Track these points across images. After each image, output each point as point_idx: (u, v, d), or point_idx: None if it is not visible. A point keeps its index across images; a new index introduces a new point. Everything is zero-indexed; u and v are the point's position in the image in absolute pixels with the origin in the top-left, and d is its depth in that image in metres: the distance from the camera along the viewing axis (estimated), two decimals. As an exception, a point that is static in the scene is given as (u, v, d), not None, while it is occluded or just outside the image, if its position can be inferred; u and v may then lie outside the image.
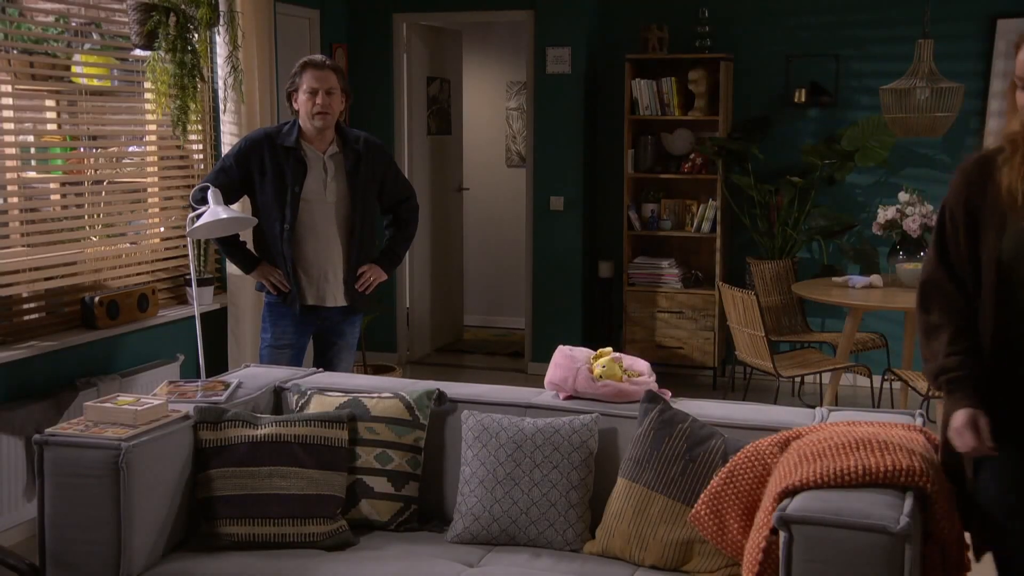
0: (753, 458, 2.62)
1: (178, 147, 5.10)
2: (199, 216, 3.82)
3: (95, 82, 4.76)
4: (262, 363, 3.98)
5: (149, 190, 4.99)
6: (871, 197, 6.39)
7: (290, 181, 3.89)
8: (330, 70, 3.92)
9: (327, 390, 3.26)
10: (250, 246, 4.19)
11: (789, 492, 2.35)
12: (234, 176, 3.95)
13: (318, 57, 4.03)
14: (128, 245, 4.87)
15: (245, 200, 4.15)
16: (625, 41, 6.75)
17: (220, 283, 5.20)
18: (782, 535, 2.28)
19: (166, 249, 5.03)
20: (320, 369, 3.78)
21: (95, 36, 4.74)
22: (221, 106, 5.02)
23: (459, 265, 8.12)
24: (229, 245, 4.07)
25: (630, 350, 6.43)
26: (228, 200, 3.91)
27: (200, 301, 4.63)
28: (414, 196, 4.25)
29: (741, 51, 6.57)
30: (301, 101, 3.90)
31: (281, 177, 3.90)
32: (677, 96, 6.50)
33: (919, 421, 2.90)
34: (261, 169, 3.92)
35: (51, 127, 4.59)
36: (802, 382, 6.30)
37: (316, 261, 3.98)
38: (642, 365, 3.20)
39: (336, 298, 4.03)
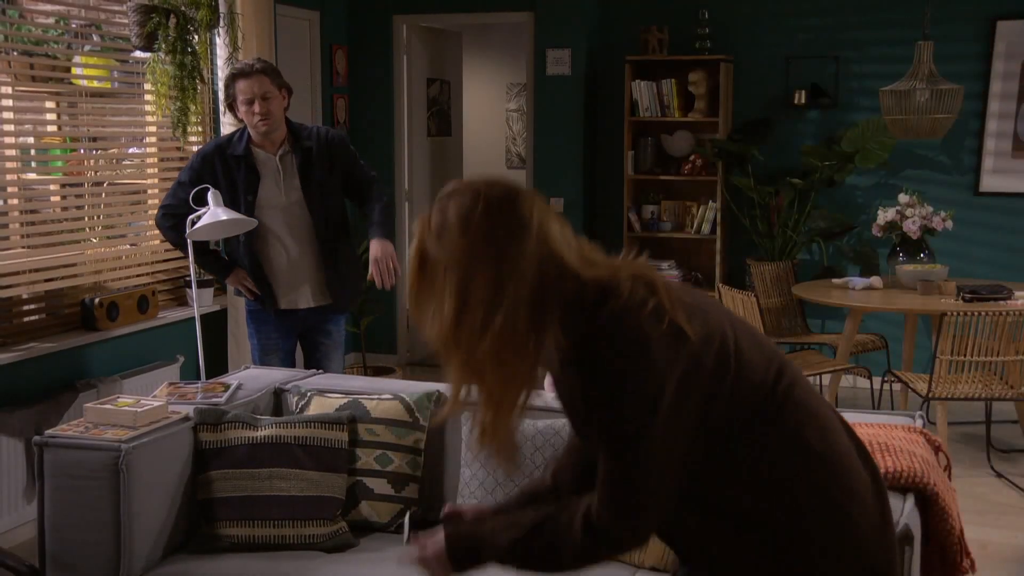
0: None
1: (178, 148, 5.10)
2: (199, 218, 3.82)
3: (95, 83, 4.76)
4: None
5: (149, 191, 4.99)
6: (871, 198, 6.39)
7: (242, 190, 3.86)
8: (260, 73, 3.83)
9: (327, 391, 3.25)
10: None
11: (789, 494, 2.35)
12: (190, 192, 3.89)
13: (245, 64, 3.91)
14: (128, 247, 4.87)
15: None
16: (625, 42, 6.75)
17: (220, 285, 5.20)
18: (782, 537, 2.27)
19: (166, 251, 5.03)
20: (320, 371, 3.78)
21: (95, 38, 4.74)
22: (221, 107, 5.02)
23: (459, 266, 8.11)
24: (202, 253, 4.03)
25: (630, 351, 6.42)
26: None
27: (200, 303, 4.62)
28: (373, 183, 4.04)
29: (741, 53, 6.57)
30: (242, 112, 3.86)
31: (234, 188, 3.87)
32: (677, 98, 6.50)
33: (919, 423, 2.90)
34: (215, 182, 3.87)
35: (51, 128, 4.59)
36: (802, 383, 6.29)
37: (285, 264, 3.94)
38: (642, 366, 3.19)
39: (309, 299, 3.99)
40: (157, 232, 4.99)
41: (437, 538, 1.78)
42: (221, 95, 4.06)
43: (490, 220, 1.60)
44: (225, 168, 3.88)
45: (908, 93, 5.30)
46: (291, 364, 4.07)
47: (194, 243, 3.94)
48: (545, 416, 3.05)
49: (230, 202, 3.87)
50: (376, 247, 3.85)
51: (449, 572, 1.77)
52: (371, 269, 3.86)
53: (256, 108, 3.80)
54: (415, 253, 1.64)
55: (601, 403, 1.61)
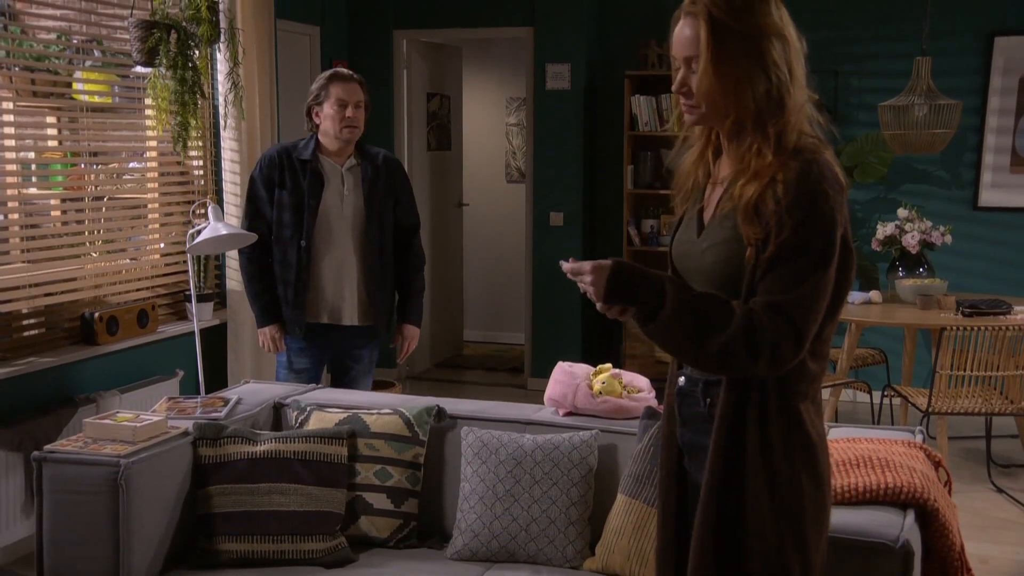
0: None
1: (178, 163, 5.11)
2: (199, 232, 3.83)
3: (96, 99, 4.77)
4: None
5: (149, 206, 5.00)
6: (870, 213, 6.40)
7: (307, 194, 3.83)
8: (357, 83, 3.87)
9: (327, 406, 3.25)
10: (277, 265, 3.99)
11: (789, 509, 2.35)
12: (266, 201, 3.88)
13: (345, 70, 3.95)
14: (128, 261, 4.88)
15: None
16: (624, 57, 6.77)
17: (220, 299, 5.21)
18: (782, 552, 2.27)
19: (166, 265, 5.04)
20: (319, 385, 3.76)
21: (96, 53, 4.76)
22: (221, 122, 5.04)
23: (459, 280, 8.13)
24: (260, 283, 3.93)
25: (630, 366, 6.43)
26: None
27: (200, 317, 4.63)
28: (419, 230, 4.14)
29: (740, 67, 6.58)
30: (328, 114, 3.81)
31: (298, 191, 3.84)
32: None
33: (919, 438, 2.90)
34: (281, 183, 3.86)
35: (52, 143, 4.60)
36: (802, 398, 6.29)
37: (332, 278, 3.90)
38: (642, 381, 3.20)
39: (352, 316, 3.94)
40: (157, 247, 5.02)
41: (604, 260, 1.86)
42: (304, 97, 3.96)
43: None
44: (291, 169, 3.86)
45: (907, 108, 5.31)
46: (316, 383, 3.99)
47: (257, 274, 3.90)
48: (545, 431, 3.05)
49: (293, 204, 3.84)
50: (412, 332, 4.13)
51: (600, 291, 1.84)
52: (403, 349, 4.13)
53: (348, 112, 3.80)
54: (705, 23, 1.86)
55: (797, 222, 1.79)
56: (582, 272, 1.86)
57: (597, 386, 3.11)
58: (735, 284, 1.86)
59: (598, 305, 1.86)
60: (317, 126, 3.88)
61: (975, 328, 4.64)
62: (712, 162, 2.02)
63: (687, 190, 2.07)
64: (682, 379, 2.02)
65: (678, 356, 1.93)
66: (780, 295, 1.79)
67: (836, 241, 1.82)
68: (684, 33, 1.90)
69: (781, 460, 1.86)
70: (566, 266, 1.89)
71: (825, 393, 5.80)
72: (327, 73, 3.93)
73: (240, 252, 3.95)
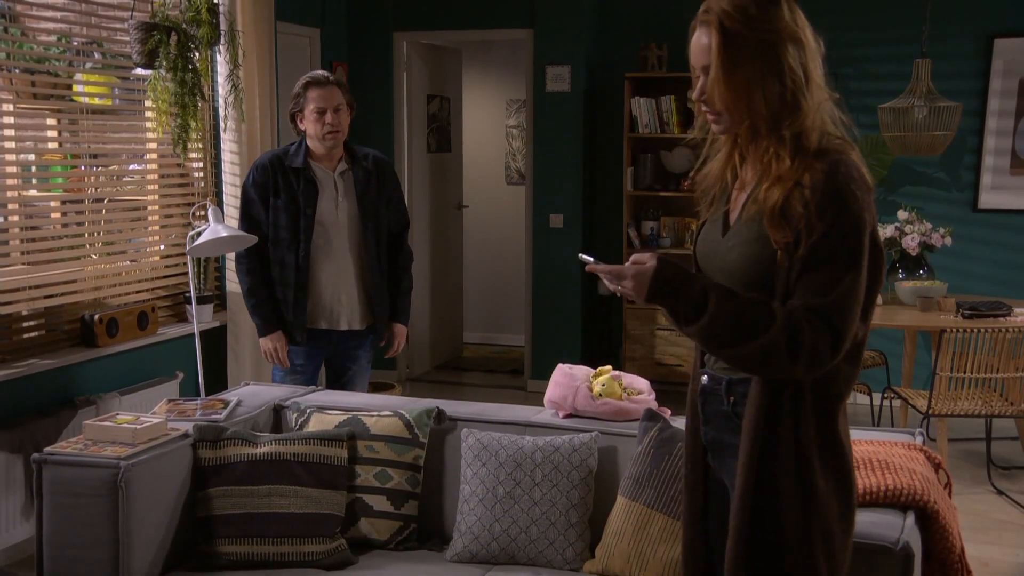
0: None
1: (178, 165, 5.11)
2: (199, 233, 3.83)
3: (96, 101, 4.77)
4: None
5: (149, 208, 5.00)
6: (870, 215, 6.40)
7: (303, 204, 3.82)
8: (334, 86, 3.83)
9: (326, 408, 3.25)
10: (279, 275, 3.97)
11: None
12: (261, 208, 3.86)
13: (320, 74, 3.90)
14: (128, 263, 4.88)
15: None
16: (624, 59, 6.77)
17: (220, 301, 5.21)
18: (782, 554, 2.27)
19: (166, 267, 5.04)
20: (319, 387, 3.76)
21: (96, 55, 4.76)
22: (221, 124, 5.04)
23: (459, 282, 8.13)
24: (258, 296, 3.90)
25: (630, 368, 6.43)
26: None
27: (200, 319, 4.63)
28: (408, 230, 4.15)
29: (740, 69, 6.58)
30: (309, 121, 3.80)
31: (294, 200, 3.82)
32: (676, 114, 6.52)
33: (919, 440, 2.90)
34: (276, 192, 3.84)
35: (52, 145, 4.60)
36: (802, 400, 6.28)
37: (330, 284, 3.89)
38: (642, 383, 3.20)
39: (350, 321, 3.95)
40: (157, 248, 5.02)
41: (647, 259, 1.87)
42: (280, 105, 3.93)
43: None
44: (284, 178, 3.83)
45: (907, 110, 5.32)
46: (313, 384, 4.00)
47: (256, 285, 3.86)
48: (544, 433, 3.05)
49: (288, 215, 3.82)
50: (401, 330, 4.13)
51: (642, 294, 1.86)
52: (393, 347, 4.16)
53: (328, 119, 3.77)
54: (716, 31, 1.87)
55: (828, 225, 1.80)
56: (622, 278, 1.86)
57: (597, 388, 3.11)
58: (758, 283, 1.88)
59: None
60: (303, 131, 3.87)
61: (975, 330, 4.64)
62: (739, 165, 2.03)
63: (714, 194, 2.07)
64: (705, 377, 2.03)
65: (717, 355, 1.94)
66: (817, 298, 1.80)
67: (866, 242, 1.83)
68: (700, 42, 1.92)
69: (813, 459, 1.87)
70: (595, 267, 1.89)
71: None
72: (303, 79, 3.88)
73: (238, 264, 3.94)
